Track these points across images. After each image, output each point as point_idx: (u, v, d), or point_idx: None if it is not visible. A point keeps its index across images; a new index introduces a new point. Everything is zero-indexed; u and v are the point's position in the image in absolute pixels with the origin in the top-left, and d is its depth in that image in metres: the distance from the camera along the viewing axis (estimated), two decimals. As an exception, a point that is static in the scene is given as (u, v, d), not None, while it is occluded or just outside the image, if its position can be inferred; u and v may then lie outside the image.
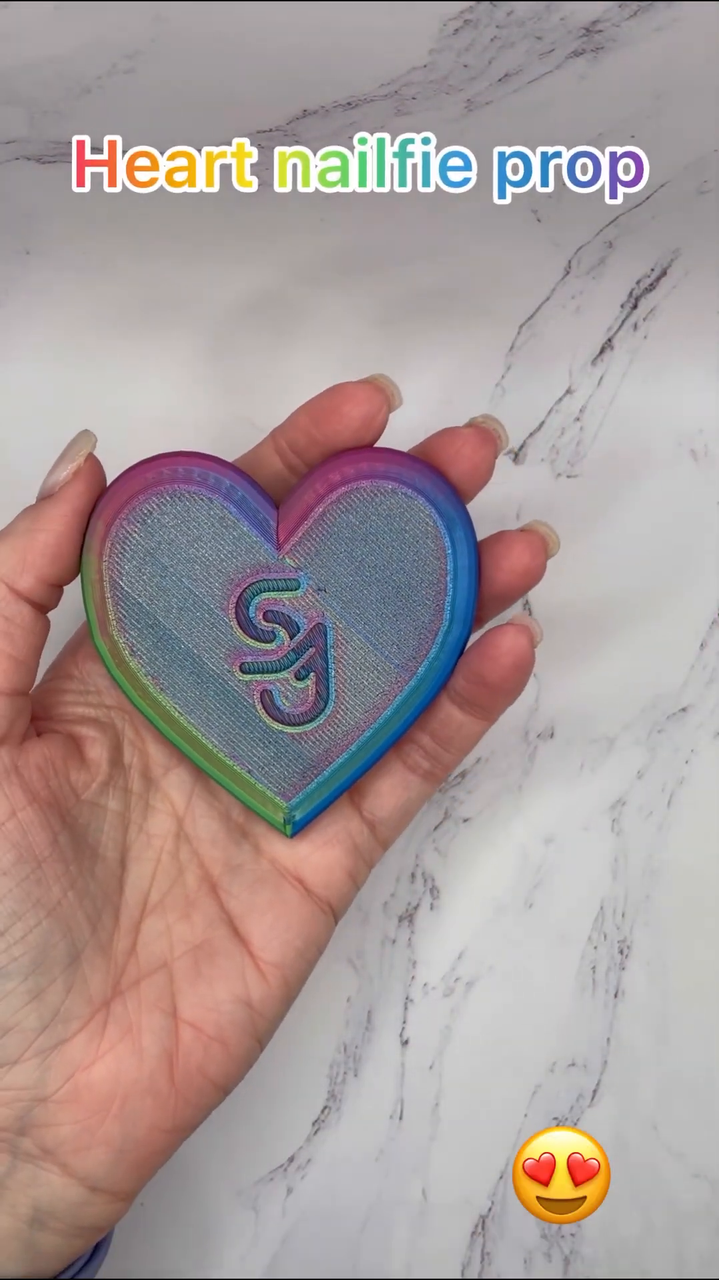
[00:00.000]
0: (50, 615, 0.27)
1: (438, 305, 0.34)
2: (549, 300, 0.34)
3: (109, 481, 0.26)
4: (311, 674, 0.27)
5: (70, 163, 0.30)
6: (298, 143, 0.30)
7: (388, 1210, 0.36)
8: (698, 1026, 0.36)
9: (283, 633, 0.27)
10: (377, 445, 0.27)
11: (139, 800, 0.28)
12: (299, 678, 0.27)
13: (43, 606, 0.26)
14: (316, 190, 0.31)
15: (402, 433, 0.35)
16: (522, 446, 0.35)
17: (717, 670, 0.36)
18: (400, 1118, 0.36)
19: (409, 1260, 0.36)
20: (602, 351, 0.35)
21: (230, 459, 0.35)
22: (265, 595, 0.26)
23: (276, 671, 0.27)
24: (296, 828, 0.28)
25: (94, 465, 0.26)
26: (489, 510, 0.31)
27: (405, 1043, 0.36)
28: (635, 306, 0.35)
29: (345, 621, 0.27)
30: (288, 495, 0.27)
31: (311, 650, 0.27)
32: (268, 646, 0.27)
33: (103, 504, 0.26)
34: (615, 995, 0.36)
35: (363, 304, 0.34)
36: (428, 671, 0.27)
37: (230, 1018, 0.27)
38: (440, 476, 0.26)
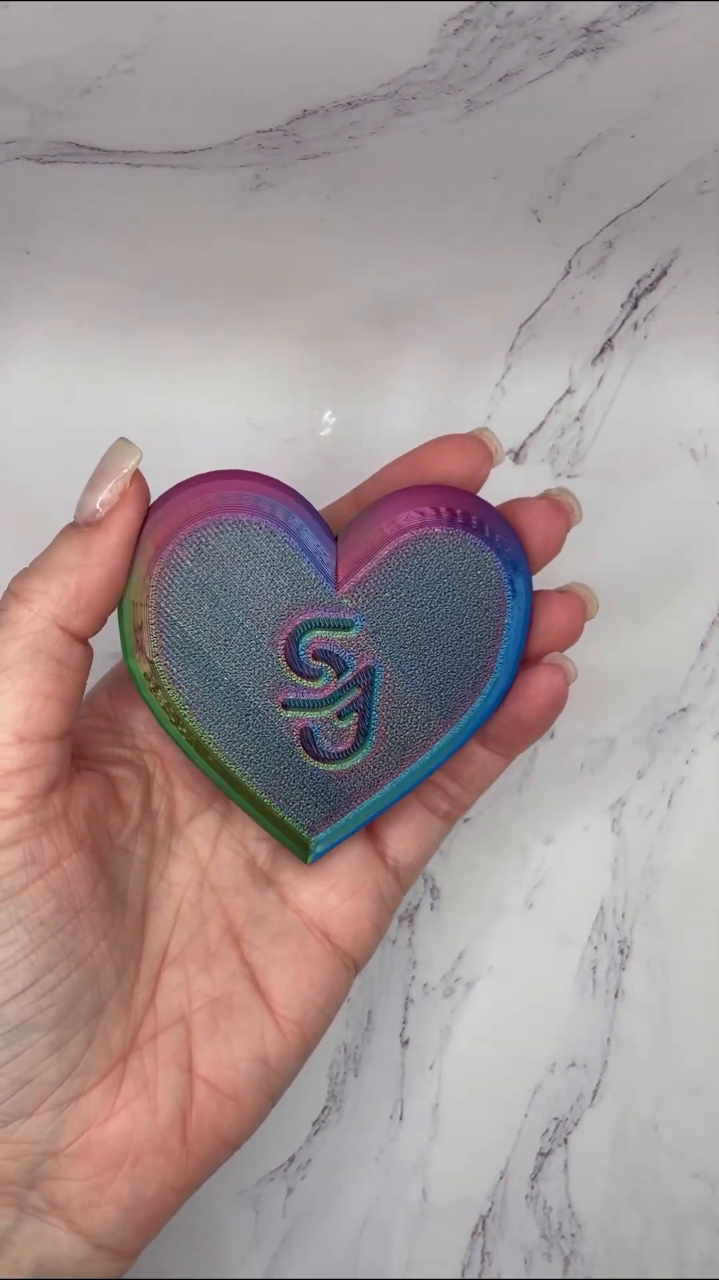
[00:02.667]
0: None
1: (438, 305, 0.34)
2: (549, 300, 0.34)
3: (154, 497, 0.25)
4: (354, 714, 0.26)
5: (70, 163, 0.30)
6: (298, 143, 0.30)
7: (388, 1210, 0.36)
8: (698, 1026, 0.36)
9: (330, 671, 0.26)
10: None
11: (162, 847, 0.27)
12: (341, 717, 0.26)
13: (88, 639, 0.25)
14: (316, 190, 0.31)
15: (402, 432, 0.35)
16: (522, 446, 0.35)
17: (717, 670, 0.36)
18: (400, 1118, 0.36)
19: (409, 1260, 0.36)
20: (602, 351, 0.35)
21: (232, 462, 0.36)
22: (318, 633, 0.25)
23: (319, 709, 0.26)
24: (315, 857, 0.27)
25: (141, 486, 0.24)
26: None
27: (405, 1043, 0.36)
28: (635, 306, 0.35)
29: (395, 666, 0.26)
30: (350, 528, 0.26)
31: (357, 691, 0.26)
32: (313, 684, 0.26)
33: (151, 523, 0.24)
34: (615, 995, 0.36)
35: (362, 303, 0.34)
36: (469, 721, 0.26)
37: (247, 1077, 0.26)
38: (506, 522, 0.26)
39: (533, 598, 0.26)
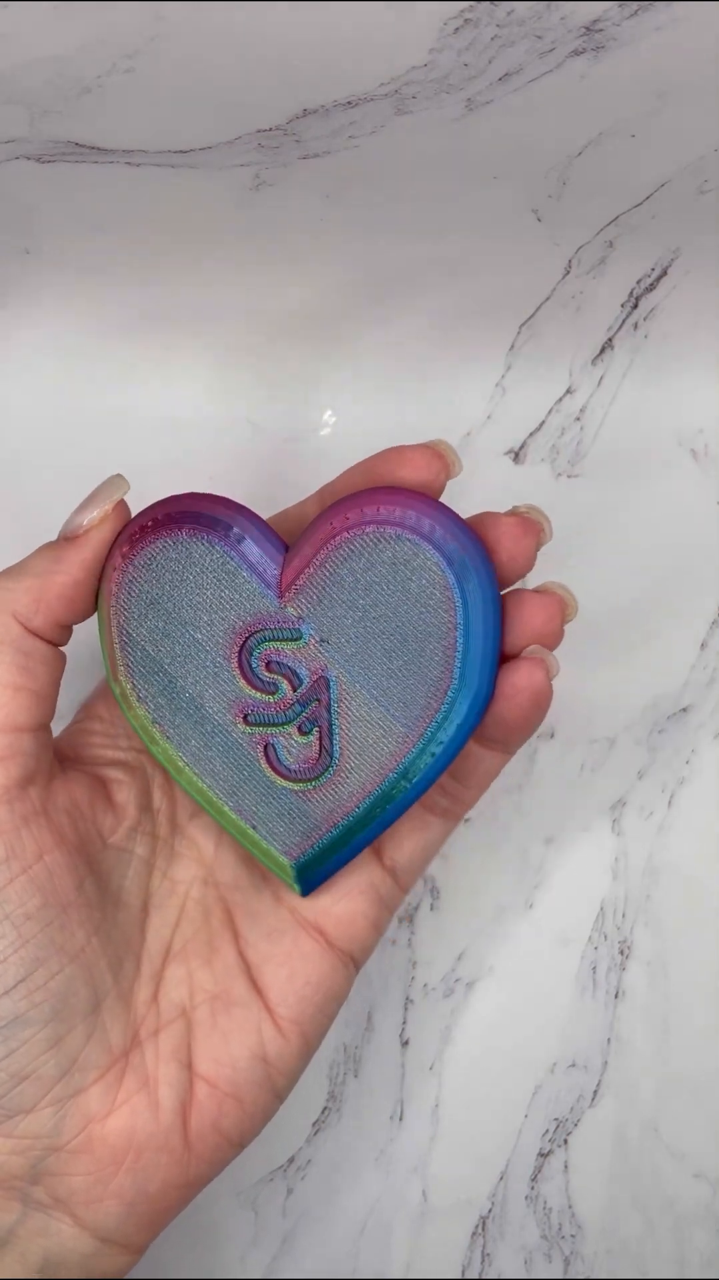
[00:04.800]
0: (71, 647, 0.26)
1: (438, 304, 0.34)
2: (549, 300, 0.34)
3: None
4: (315, 729, 0.26)
5: (70, 162, 0.30)
6: (298, 142, 0.30)
7: (388, 1211, 0.36)
8: (698, 1026, 0.36)
9: (285, 684, 0.25)
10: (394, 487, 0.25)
11: (164, 845, 0.28)
12: (303, 732, 0.26)
13: (55, 643, 0.26)
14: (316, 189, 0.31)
15: (402, 433, 0.35)
16: (522, 446, 0.35)
17: (717, 670, 0.36)
18: (400, 1118, 0.36)
19: (409, 1261, 0.36)
20: (602, 351, 0.35)
21: (232, 461, 0.35)
22: (268, 645, 0.25)
23: (280, 725, 0.26)
24: (308, 887, 0.27)
25: (122, 512, 0.25)
26: (489, 510, 0.30)
27: (405, 1043, 0.36)
28: (636, 306, 0.35)
29: (349, 675, 0.25)
30: (297, 540, 0.25)
31: (315, 704, 0.25)
32: (270, 698, 0.26)
33: (115, 547, 0.25)
34: (615, 995, 0.36)
35: (362, 303, 0.34)
36: (436, 733, 0.25)
37: (246, 1075, 0.26)
38: (456, 520, 0.24)
39: (509, 597, 0.25)
